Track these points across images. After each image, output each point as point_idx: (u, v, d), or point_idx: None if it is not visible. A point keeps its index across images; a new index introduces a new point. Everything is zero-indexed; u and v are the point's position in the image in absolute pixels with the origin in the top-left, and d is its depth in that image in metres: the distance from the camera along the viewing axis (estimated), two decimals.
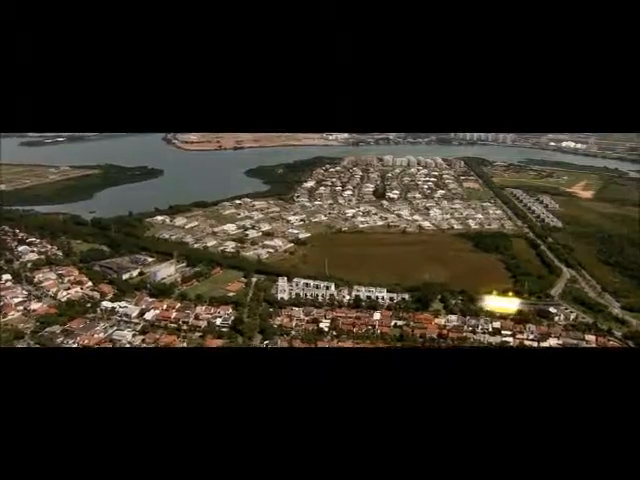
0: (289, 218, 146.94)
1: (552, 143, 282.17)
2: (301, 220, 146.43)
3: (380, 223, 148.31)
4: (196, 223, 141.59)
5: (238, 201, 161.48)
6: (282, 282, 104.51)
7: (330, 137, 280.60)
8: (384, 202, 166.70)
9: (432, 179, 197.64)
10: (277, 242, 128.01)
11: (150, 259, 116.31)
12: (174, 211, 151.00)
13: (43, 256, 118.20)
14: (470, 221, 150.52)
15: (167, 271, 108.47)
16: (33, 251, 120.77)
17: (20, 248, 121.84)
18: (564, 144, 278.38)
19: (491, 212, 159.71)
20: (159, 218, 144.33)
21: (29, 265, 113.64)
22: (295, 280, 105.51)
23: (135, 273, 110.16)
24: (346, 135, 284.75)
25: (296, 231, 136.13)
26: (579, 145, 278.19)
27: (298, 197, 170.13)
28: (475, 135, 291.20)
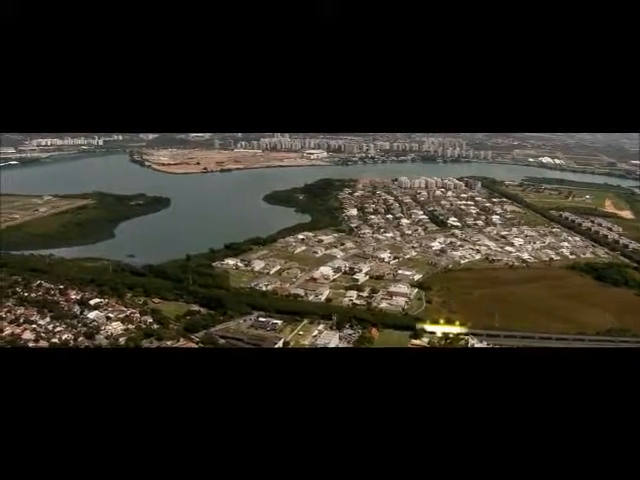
0: (381, 256, 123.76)
1: (531, 159, 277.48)
2: (395, 258, 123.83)
3: (477, 257, 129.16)
4: (278, 267, 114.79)
5: (300, 236, 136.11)
6: (476, 342, 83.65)
7: (312, 156, 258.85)
8: (455, 231, 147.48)
9: (469, 202, 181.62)
10: (402, 288, 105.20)
11: (278, 322, 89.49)
12: (237, 252, 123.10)
13: (130, 325, 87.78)
14: (563, 250, 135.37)
15: (334, 340, 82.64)
16: (109, 318, 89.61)
17: (90, 315, 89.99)
18: (544, 160, 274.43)
19: (571, 239, 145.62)
20: (230, 262, 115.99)
21: (122, 341, 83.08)
22: (479, 338, 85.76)
23: (280, 344, 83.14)
24: (325, 154, 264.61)
25: (408, 272, 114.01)
26: (557, 160, 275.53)
27: (358, 227, 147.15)
28: (456, 152, 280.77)
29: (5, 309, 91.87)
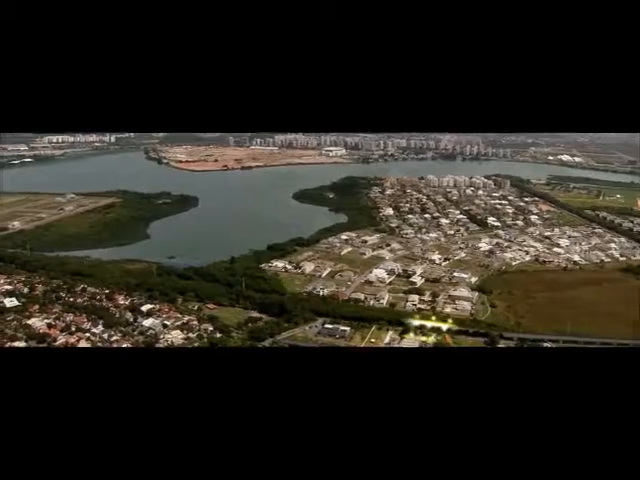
0: (432, 257, 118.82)
1: (550, 157, 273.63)
2: (445, 259, 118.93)
3: (527, 259, 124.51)
4: (329, 270, 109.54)
5: (343, 236, 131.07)
6: None
7: (330, 154, 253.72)
8: (498, 232, 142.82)
9: (503, 201, 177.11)
10: (463, 292, 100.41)
11: (347, 329, 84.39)
12: (282, 253, 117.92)
13: (191, 333, 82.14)
14: (612, 252, 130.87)
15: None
16: (166, 325, 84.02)
17: (146, 322, 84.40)
18: (564, 158, 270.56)
19: (616, 240, 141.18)
20: (278, 264, 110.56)
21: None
22: (556, 344, 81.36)
23: None
24: (344, 152, 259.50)
25: (464, 275, 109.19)
26: (576, 158, 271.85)
27: (398, 227, 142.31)
28: (475, 150, 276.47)
29: (53, 316, 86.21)
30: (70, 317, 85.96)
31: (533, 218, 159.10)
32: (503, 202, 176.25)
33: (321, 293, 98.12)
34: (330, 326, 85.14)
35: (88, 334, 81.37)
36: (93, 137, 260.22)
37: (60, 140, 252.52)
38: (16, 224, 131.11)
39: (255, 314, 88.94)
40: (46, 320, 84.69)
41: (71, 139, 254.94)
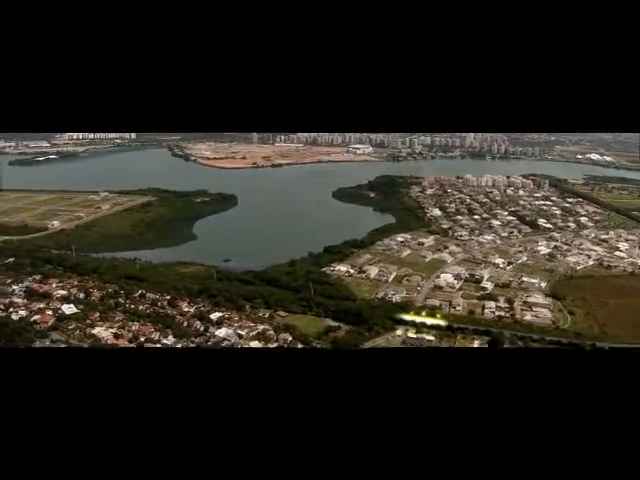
0: (495, 261, 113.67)
1: (579, 156, 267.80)
2: (509, 263, 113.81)
3: (590, 263, 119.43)
4: (394, 274, 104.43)
5: (399, 238, 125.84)
6: None
7: (358, 152, 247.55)
8: (554, 234, 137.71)
9: (547, 202, 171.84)
10: (539, 298, 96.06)
11: (432, 338, 79.64)
12: (340, 256, 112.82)
13: (269, 344, 76.81)
14: None
15: None
16: (241, 336, 78.74)
17: (219, 332, 79.22)
18: (594, 157, 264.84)
19: None
20: (341, 268, 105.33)
21: None
22: None
23: None
24: (371, 149, 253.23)
25: (533, 280, 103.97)
26: (606, 157, 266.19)
27: (451, 229, 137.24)
28: (502, 148, 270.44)
29: (117, 324, 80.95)
30: (136, 326, 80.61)
31: (584, 220, 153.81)
32: (547, 203, 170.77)
33: (393, 299, 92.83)
34: (414, 336, 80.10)
35: (159, 345, 75.99)
36: (113, 133, 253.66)
37: (80, 137, 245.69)
38: (56, 223, 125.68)
39: (331, 322, 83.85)
40: (111, 330, 79.39)
41: (91, 135, 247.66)
